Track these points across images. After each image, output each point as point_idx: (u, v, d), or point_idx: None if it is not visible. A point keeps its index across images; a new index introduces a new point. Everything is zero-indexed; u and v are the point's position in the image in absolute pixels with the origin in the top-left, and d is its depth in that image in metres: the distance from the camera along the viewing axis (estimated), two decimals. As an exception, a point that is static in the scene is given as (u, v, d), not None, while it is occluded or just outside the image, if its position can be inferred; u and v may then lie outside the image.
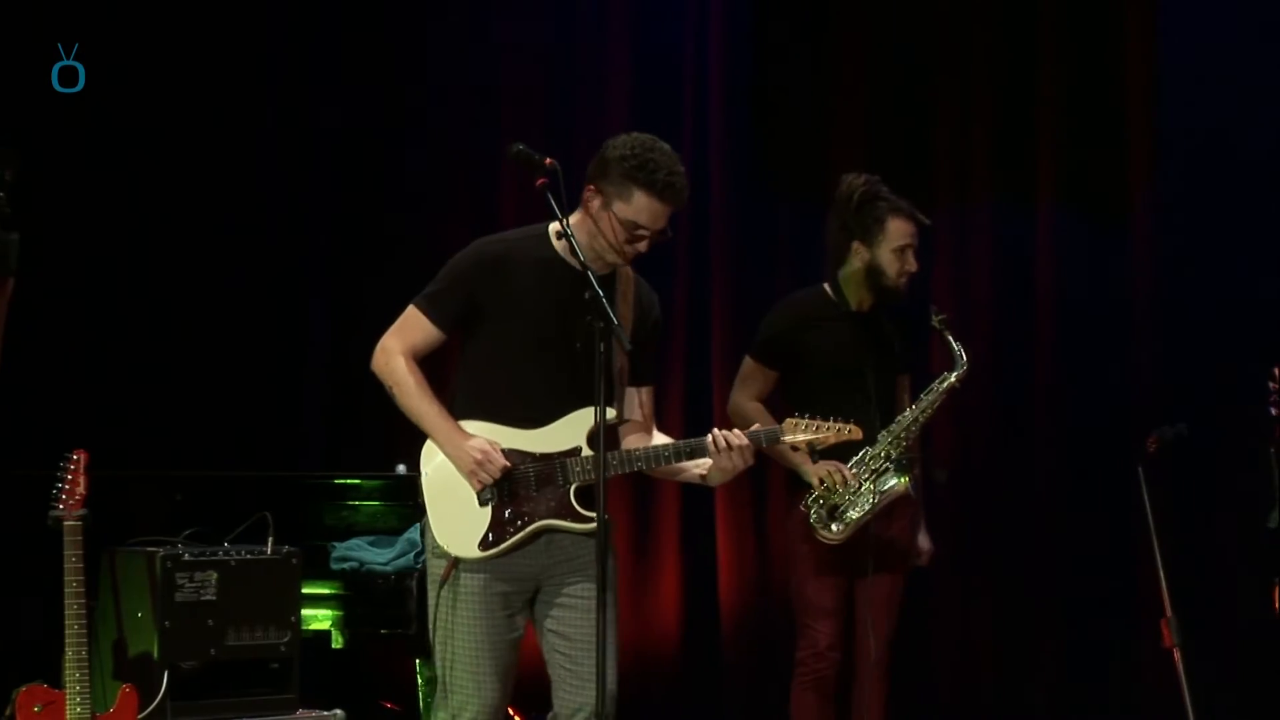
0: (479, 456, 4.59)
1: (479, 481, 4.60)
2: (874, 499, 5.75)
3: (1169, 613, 6.03)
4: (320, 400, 7.73)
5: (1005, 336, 7.61)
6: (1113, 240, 7.59)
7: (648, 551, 7.74)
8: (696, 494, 7.70)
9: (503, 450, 4.62)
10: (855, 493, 5.74)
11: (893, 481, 5.78)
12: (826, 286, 5.97)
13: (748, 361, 6.06)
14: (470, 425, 4.65)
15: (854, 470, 5.71)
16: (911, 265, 5.89)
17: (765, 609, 7.62)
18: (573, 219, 4.64)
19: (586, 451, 4.63)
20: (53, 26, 6.98)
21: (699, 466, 4.75)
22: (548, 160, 4.56)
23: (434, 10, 7.72)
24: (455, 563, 4.63)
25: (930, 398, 5.82)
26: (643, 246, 4.64)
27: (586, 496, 4.64)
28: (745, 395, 6.02)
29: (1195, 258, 7.41)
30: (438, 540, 4.66)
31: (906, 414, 5.82)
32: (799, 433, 4.79)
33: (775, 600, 7.53)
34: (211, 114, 7.53)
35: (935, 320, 5.85)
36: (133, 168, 7.38)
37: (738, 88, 7.87)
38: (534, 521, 4.63)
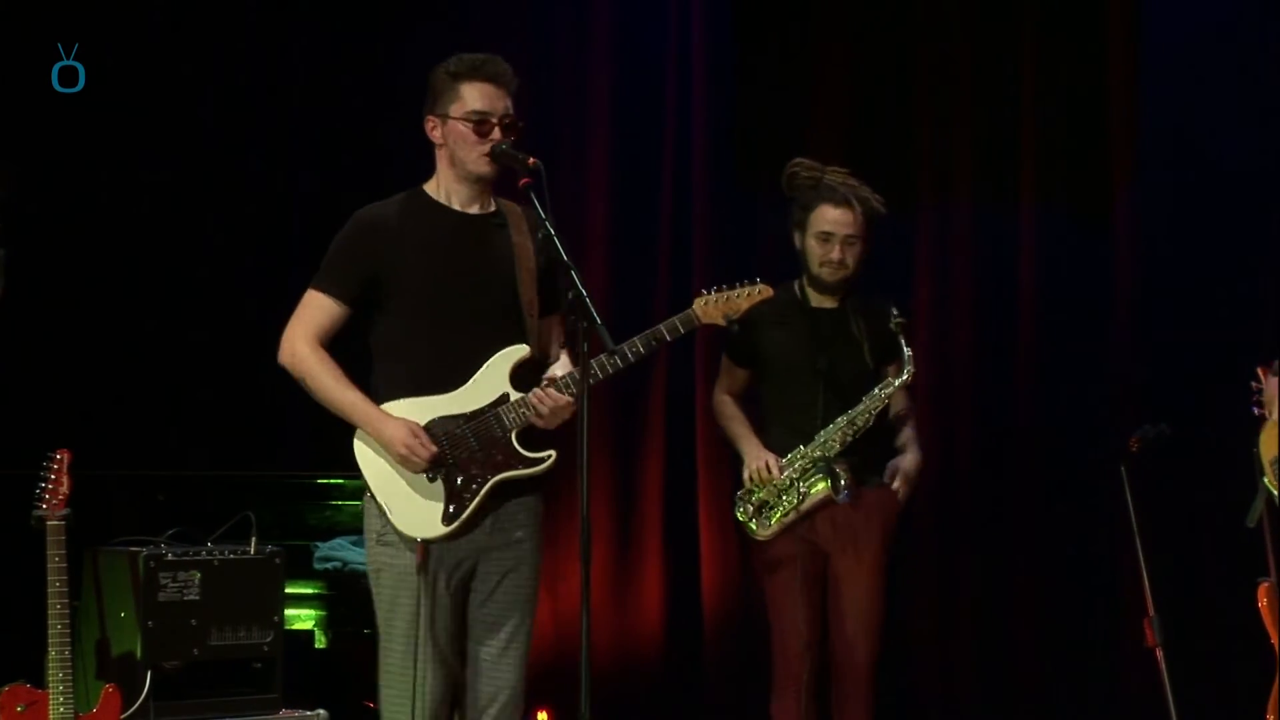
0: (408, 441, 4.58)
1: (412, 466, 4.60)
2: (797, 499, 5.72)
3: (1151, 612, 6.03)
4: (303, 400, 7.70)
5: (987, 337, 7.62)
6: (1095, 241, 7.60)
7: (630, 548, 7.74)
8: (680, 490, 7.71)
9: (437, 418, 4.62)
10: (783, 490, 5.71)
11: (816, 483, 5.74)
12: (796, 283, 5.93)
13: (723, 358, 6.06)
14: (397, 405, 4.65)
15: (783, 466, 5.72)
16: (834, 254, 5.77)
17: (749, 606, 7.61)
18: (434, 176, 4.74)
19: (514, 395, 4.64)
20: (53, 26, 6.98)
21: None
22: (531, 160, 4.57)
23: (414, 14, 7.72)
24: (426, 547, 4.62)
25: (870, 403, 5.74)
26: (497, 134, 4.66)
27: (528, 439, 4.65)
28: (719, 389, 6.05)
29: (1177, 259, 7.42)
30: (400, 529, 4.63)
31: (842, 417, 5.72)
32: (710, 309, 4.81)
33: (759, 598, 7.54)
34: (201, 115, 7.54)
35: (893, 322, 5.74)
36: (127, 168, 7.38)
37: (719, 87, 7.87)
38: (488, 479, 4.63)
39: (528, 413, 4.63)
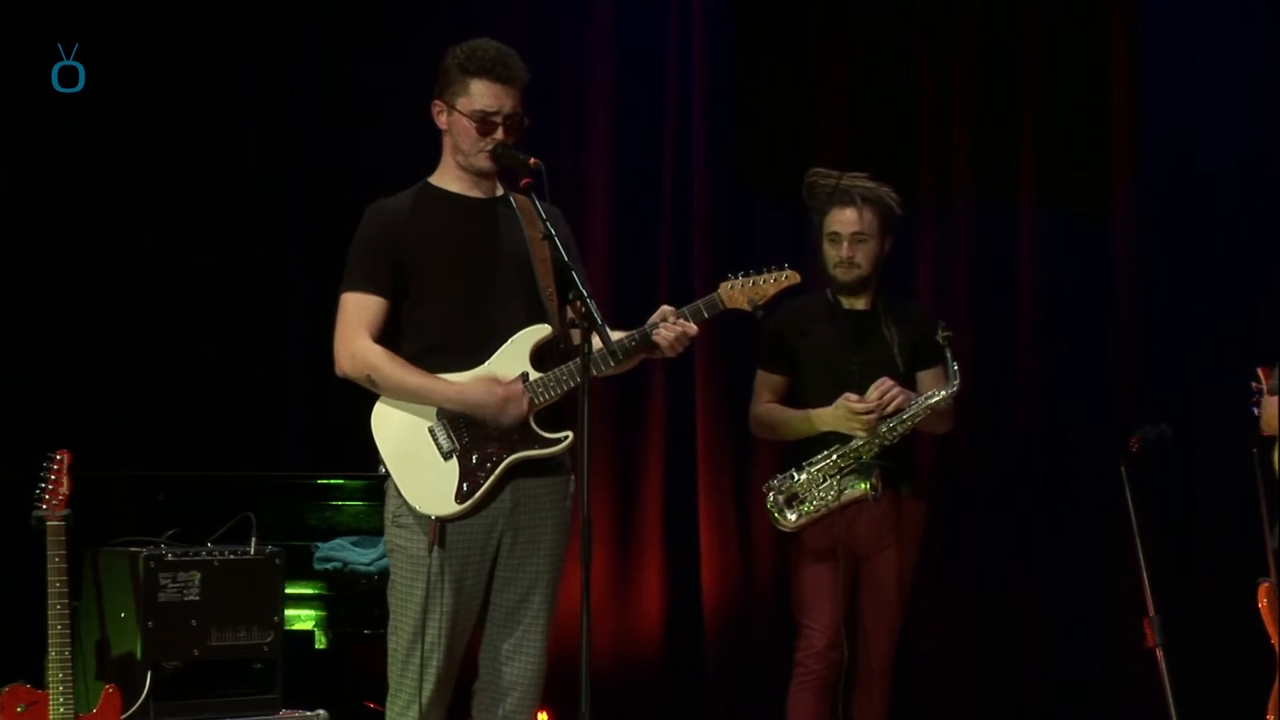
0: (501, 393, 4.57)
1: (518, 413, 4.57)
2: (835, 495, 5.74)
3: (1151, 612, 6.04)
4: (303, 400, 7.72)
5: (986, 335, 7.61)
6: (1094, 239, 7.60)
7: (630, 548, 7.73)
8: (679, 490, 7.71)
9: None
10: (818, 486, 5.74)
11: (854, 483, 5.74)
12: (829, 289, 5.97)
13: (757, 372, 6.07)
14: None
15: (821, 465, 5.74)
16: (845, 253, 5.82)
17: (749, 605, 7.63)
18: (440, 164, 4.76)
19: (534, 374, 4.63)
20: (53, 26, 6.98)
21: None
22: (532, 160, 4.58)
23: (415, 14, 7.71)
24: (440, 525, 4.60)
25: (915, 409, 5.78)
26: (500, 134, 4.66)
27: (545, 419, 4.64)
28: (758, 401, 6.04)
29: (1177, 257, 7.43)
30: (414, 505, 4.61)
31: (887, 422, 5.74)
32: (736, 294, 4.80)
33: (759, 597, 7.55)
34: (202, 116, 7.54)
35: (940, 335, 5.76)
36: (127, 168, 7.37)
37: (720, 88, 7.86)
38: (503, 458, 4.61)
39: (548, 393, 4.62)
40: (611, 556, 7.65)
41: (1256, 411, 5.71)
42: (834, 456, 5.75)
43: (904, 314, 5.95)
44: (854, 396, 5.71)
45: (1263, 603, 5.71)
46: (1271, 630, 5.69)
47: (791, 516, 5.77)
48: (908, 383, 5.87)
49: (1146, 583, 6.08)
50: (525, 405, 4.58)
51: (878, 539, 5.84)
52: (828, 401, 5.77)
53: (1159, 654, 6.01)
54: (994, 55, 7.71)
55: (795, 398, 5.95)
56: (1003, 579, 7.57)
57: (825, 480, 5.74)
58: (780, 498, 5.78)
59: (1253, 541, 5.79)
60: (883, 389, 5.71)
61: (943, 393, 5.77)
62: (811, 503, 5.75)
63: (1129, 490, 6.10)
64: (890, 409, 5.72)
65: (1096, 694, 7.43)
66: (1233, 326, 7.14)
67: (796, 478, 5.78)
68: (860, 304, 5.91)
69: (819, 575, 5.79)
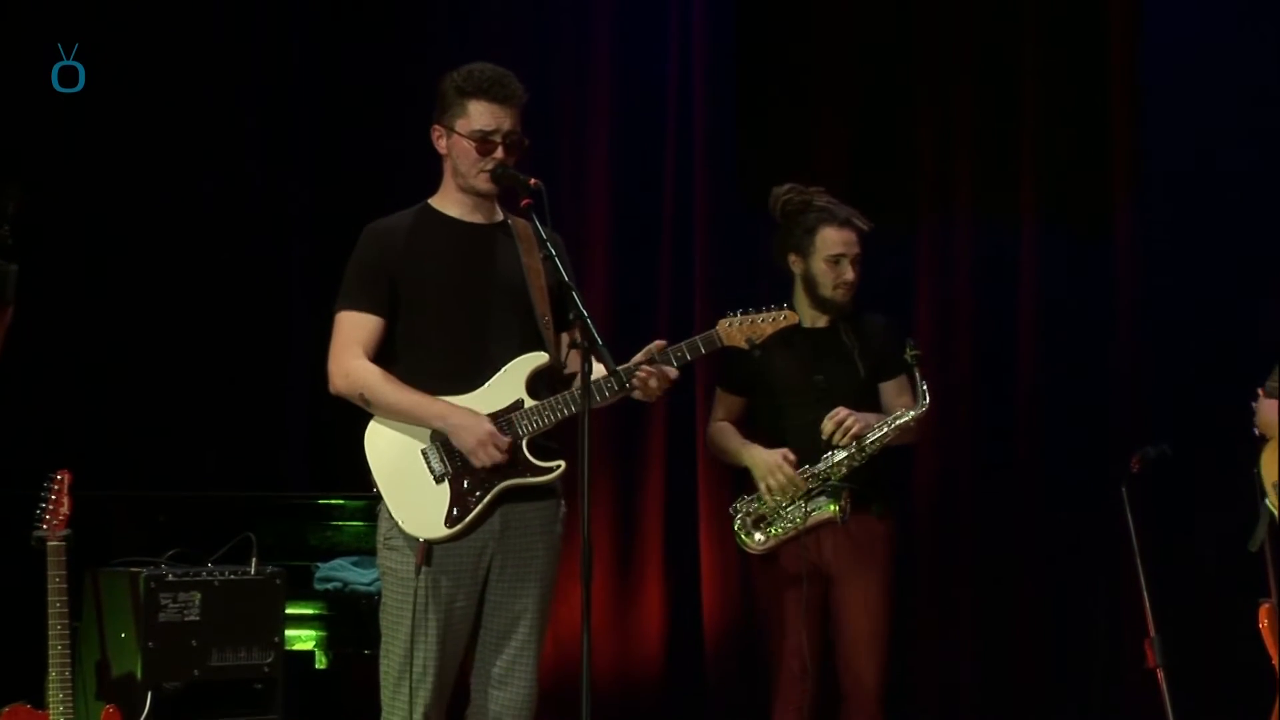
0: (485, 431, 4.57)
1: (489, 458, 4.57)
2: (801, 518, 5.70)
3: (1153, 632, 6.04)
4: (304, 420, 7.72)
5: (987, 351, 7.61)
6: (1095, 254, 7.59)
7: (630, 568, 7.73)
8: (680, 510, 7.71)
9: None
10: (786, 506, 5.70)
11: (822, 505, 5.70)
12: (787, 306, 5.91)
13: (717, 390, 6.01)
14: None
15: (802, 474, 5.67)
16: (848, 275, 5.76)
17: (750, 624, 7.61)
18: (441, 188, 4.77)
19: (530, 402, 4.64)
20: (53, 26, 6.98)
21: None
22: (532, 180, 4.59)
23: (413, 26, 7.72)
24: (428, 547, 4.60)
25: (882, 432, 5.72)
26: (500, 154, 4.68)
27: (539, 448, 4.66)
28: (713, 419, 5.97)
29: (1178, 274, 7.42)
30: (403, 526, 4.62)
31: (858, 442, 5.65)
32: (734, 331, 4.84)
33: (760, 617, 7.53)
34: (201, 122, 7.55)
35: (909, 354, 5.70)
36: (126, 172, 7.38)
37: (721, 102, 7.87)
38: (494, 485, 4.62)
39: (542, 421, 4.63)
40: (612, 575, 7.65)
41: (1258, 431, 5.71)
42: (802, 478, 5.70)
43: (863, 327, 5.87)
44: (791, 455, 5.63)
45: (1263, 623, 5.71)
46: (1272, 650, 5.69)
47: (759, 538, 5.70)
48: (870, 395, 5.82)
49: (1147, 603, 6.08)
50: (499, 455, 4.58)
51: (848, 561, 5.73)
52: (789, 421, 5.74)
53: (1160, 674, 6.01)
54: (994, 69, 7.71)
55: (757, 418, 5.89)
56: (1002, 598, 7.56)
57: (793, 502, 5.70)
58: (748, 519, 5.72)
59: (1253, 561, 5.78)
60: (837, 419, 5.66)
61: (911, 413, 5.69)
62: (779, 524, 5.69)
63: (1129, 510, 6.10)
64: (845, 439, 5.66)
65: (1097, 714, 7.42)
66: (1234, 345, 7.13)
67: (764, 499, 5.74)
68: (822, 321, 5.86)
69: (791, 599, 5.69)
